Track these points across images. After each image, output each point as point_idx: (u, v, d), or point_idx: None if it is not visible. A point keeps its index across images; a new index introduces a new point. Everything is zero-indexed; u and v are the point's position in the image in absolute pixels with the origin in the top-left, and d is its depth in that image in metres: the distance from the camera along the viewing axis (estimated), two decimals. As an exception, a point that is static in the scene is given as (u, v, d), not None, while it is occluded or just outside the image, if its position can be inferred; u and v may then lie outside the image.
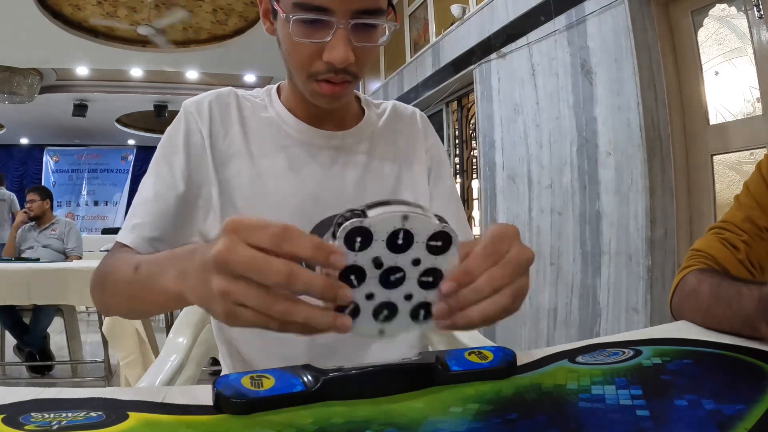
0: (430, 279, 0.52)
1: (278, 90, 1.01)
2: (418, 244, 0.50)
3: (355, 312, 0.51)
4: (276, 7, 0.81)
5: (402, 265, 0.51)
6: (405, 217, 0.49)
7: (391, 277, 0.51)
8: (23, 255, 4.20)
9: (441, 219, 0.52)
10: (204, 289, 0.52)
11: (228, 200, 0.93)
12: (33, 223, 4.38)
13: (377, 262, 0.50)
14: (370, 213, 0.48)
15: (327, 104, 0.89)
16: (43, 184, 13.88)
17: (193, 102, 0.96)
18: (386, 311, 0.52)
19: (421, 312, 0.53)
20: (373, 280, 0.50)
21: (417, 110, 1.12)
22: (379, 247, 0.49)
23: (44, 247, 4.27)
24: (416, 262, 0.51)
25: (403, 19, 5.71)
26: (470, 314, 0.52)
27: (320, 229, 0.51)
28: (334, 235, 0.48)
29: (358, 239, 0.48)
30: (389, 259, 0.50)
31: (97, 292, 0.87)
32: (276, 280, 0.47)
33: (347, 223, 0.48)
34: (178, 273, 0.59)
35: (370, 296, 0.51)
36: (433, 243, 0.51)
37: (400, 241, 0.50)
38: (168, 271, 0.62)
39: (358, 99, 1.05)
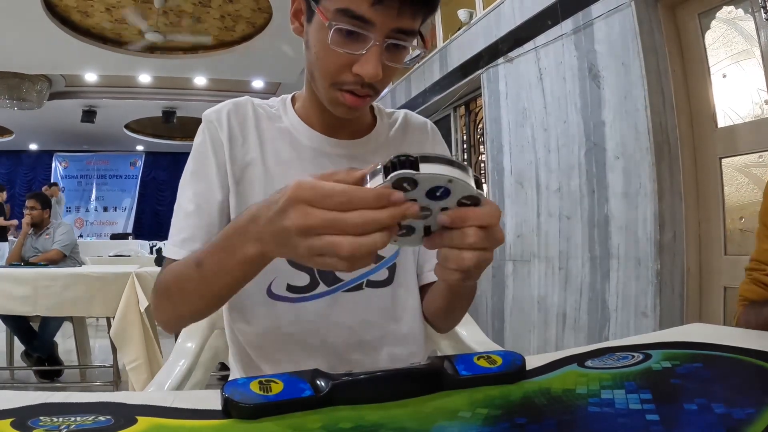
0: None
1: (293, 99, 1.03)
2: (451, 198, 0.57)
3: None
4: (316, 10, 0.81)
5: (432, 207, 0.57)
6: (450, 181, 0.54)
7: (420, 213, 0.57)
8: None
9: (478, 182, 0.57)
10: (290, 250, 0.59)
11: (245, 206, 0.93)
12: (31, 230, 4.39)
13: (412, 200, 0.55)
14: (423, 167, 0.53)
15: (345, 114, 0.90)
16: (52, 189, 13.93)
17: (212, 111, 0.98)
18: (405, 230, 0.61)
19: (431, 230, 0.61)
20: None
21: (428, 121, 1.13)
22: (418, 194, 0.55)
23: (43, 252, 4.27)
24: (444, 209, 0.58)
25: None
26: (447, 253, 0.61)
27: None
28: (386, 174, 0.54)
29: (405, 184, 0.54)
30: (423, 201, 0.56)
31: (165, 308, 0.88)
32: (356, 232, 0.54)
33: (400, 172, 0.53)
34: (254, 240, 0.65)
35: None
36: (464, 201, 0.57)
37: (438, 194, 0.56)
38: (241, 243, 0.67)
39: (371, 107, 1.06)
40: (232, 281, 0.75)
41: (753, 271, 1.23)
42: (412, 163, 0.53)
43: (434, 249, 0.62)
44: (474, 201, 0.57)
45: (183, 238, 0.91)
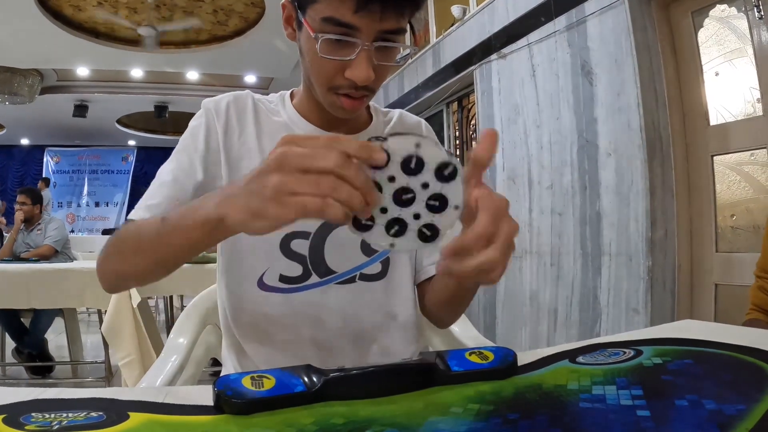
0: (437, 203, 0.59)
1: (291, 96, 1.05)
2: (427, 170, 0.57)
3: (371, 225, 0.59)
4: (303, 21, 0.83)
5: (413, 187, 0.57)
6: (418, 144, 0.56)
7: (403, 196, 0.58)
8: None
9: (451, 154, 0.57)
10: (252, 197, 0.57)
11: None
12: (22, 225, 4.37)
13: (391, 178, 0.57)
14: (390, 139, 0.55)
15: (344, 115, 0.92)
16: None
17: (212, 100, 1.00)
18: (397, 227, 0.60)
19: (428, 233, 0.60)
20: (387, 196, 0.58)
21: (423, 120, 1.15)
22: (394, 168, 0.56)
23: (34, 247, 4.26)
24: (425, 185, 0.57)
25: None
26: (463, 271, 0.59)
27: None
28: None
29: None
30: (402, 179, 0.57)
31: (111, 261, 0.87)
32: (333, 162, 0.53)
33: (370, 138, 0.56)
34: (221, 200, 0.62)
35: (384, 210, 0.58)
36: (441, 172, 0.57)
37: (412, 166, 0.56)
38: (207, 203, 0.65)
39: (367, 106, 1.08)
40: (186, 242, 0.71)
41: (759, 279, 1.38)
42: (383, 138, 0.56)
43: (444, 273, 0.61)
44: (452, 169, 0.57)
45: (150, 204, 0.90)
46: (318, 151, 0.54)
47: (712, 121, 2.87)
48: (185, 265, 0.84)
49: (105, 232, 12.21)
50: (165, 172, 0.94)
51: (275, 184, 0.54)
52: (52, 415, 0.51)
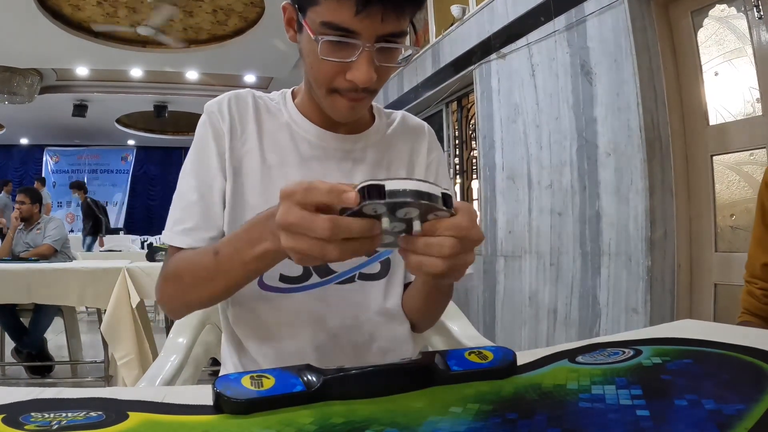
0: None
1: (293, 94, 1.04)
2: (422, 215, 0.59)
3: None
4: (303, 23, 0.83)
5: (410, 215, 0.59)
6: (415, 202, 0.56)
7: (395, 229, 0.61)
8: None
9: (447, 199, 0.58)
10: (281, 244, 0.63)
11: (241, 195, 0.95)
12: (21, 225, 4.37)
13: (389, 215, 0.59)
14: (388, 195, 0.55)
15: (345, 118, 0.92)
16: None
17: (214, 102, 0.99)
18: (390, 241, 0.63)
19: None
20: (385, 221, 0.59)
21: (425, 124, 1.14)
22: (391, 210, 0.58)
23: (34, 247, 4.25)
24: (424, 219, 0.60)
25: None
26: (422, 260, 0.62)
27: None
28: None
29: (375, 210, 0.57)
30: (400, 214, 0.58)
31: (173, 294, 0.91)
32: (323, 234, 0.58)
33: (367, 202, 0.56)
34: (271, 234, 0.68)
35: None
36: (435, 213, 0.59)
37: (406, 213, 0.58)
38: (259, 236, 0.72)
39: (370, 106, 1.07)
40: (245, 272, 0.78)
41: (747, 283, 1.42)
42: (380, 190, 0.56)
43: (410, 251, 0.63)
44: (445, 202, 0.58)
45: (187, 228, 0.92)
46: (310, 222, 0.58)
47: (712, 121, 2.87)
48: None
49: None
50: (188, 189, 0.95)
51: (287, 246, 0.61)
52: (52, 415, 0.51)
